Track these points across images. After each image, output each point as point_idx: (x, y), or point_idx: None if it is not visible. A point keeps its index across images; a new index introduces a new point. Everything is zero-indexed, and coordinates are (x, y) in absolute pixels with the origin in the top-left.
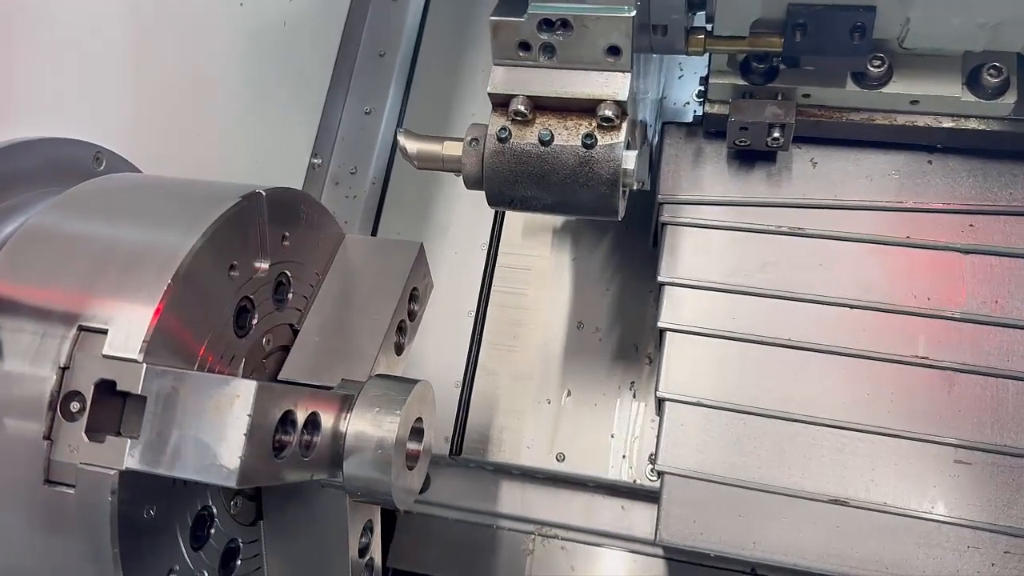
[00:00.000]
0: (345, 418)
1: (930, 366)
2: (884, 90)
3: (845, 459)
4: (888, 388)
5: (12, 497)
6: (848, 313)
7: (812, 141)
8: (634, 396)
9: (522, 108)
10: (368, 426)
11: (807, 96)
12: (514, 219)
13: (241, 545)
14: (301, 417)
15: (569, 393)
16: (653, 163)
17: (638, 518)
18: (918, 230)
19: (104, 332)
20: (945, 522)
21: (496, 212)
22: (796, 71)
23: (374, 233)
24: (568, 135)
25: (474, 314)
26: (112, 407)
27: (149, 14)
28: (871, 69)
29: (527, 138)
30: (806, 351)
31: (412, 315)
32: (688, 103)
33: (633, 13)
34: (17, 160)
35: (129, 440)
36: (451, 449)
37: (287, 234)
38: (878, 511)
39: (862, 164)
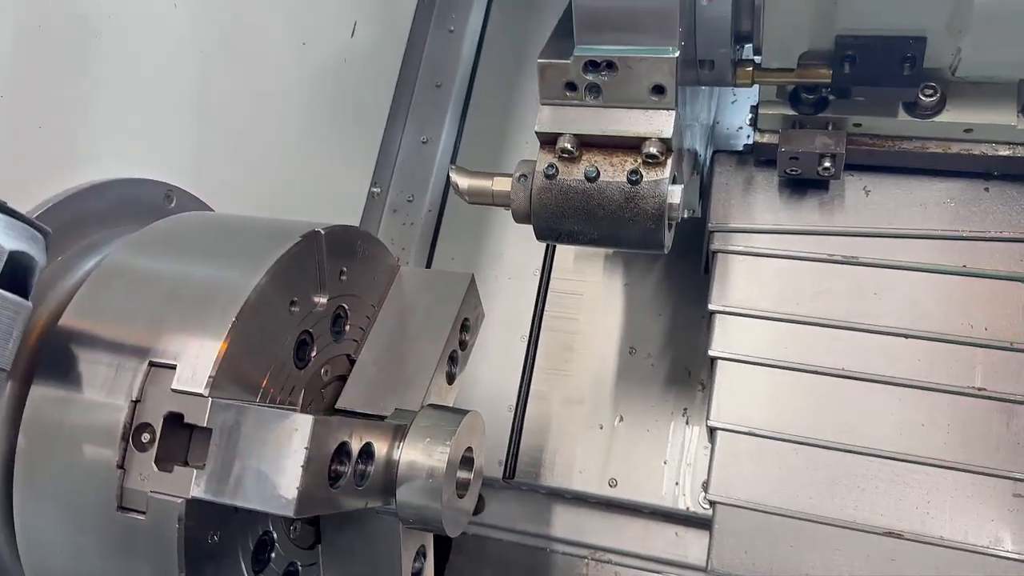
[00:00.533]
0: (398, 447)
1: (988, 397)
2: (937, 119)
3: (899, 491)
4: (944, 419)
5: (88, 521)
6: (903, 342)
7: (865, 169)
8: (687, 422)
9: (568, 146)
10: (419, 455)
11: (858, 125)
12: (567, 246)
13: (300, 568)
14: (356, 447)
15: (621, 418)
16: (703, 190)
17: (692, 545)
18: (974, 259)
19: (173, 367)
20: (1003, 557)
21: None
22: (846, 101)
23: (430, 259)
24: (614, 171)
25: (527, 339)
26: (180, 438)
27: (216, 54)
28: (923, 98)
29: (574, 174)
30: (859, 381)
31: (463, 345)
32: (741, 127)
33: (676, 54)
34: (93, 201)
35: (195, 470)
36: (504, 472)
37: (345, 269)
38: (933, 544)
39: (916, 192)
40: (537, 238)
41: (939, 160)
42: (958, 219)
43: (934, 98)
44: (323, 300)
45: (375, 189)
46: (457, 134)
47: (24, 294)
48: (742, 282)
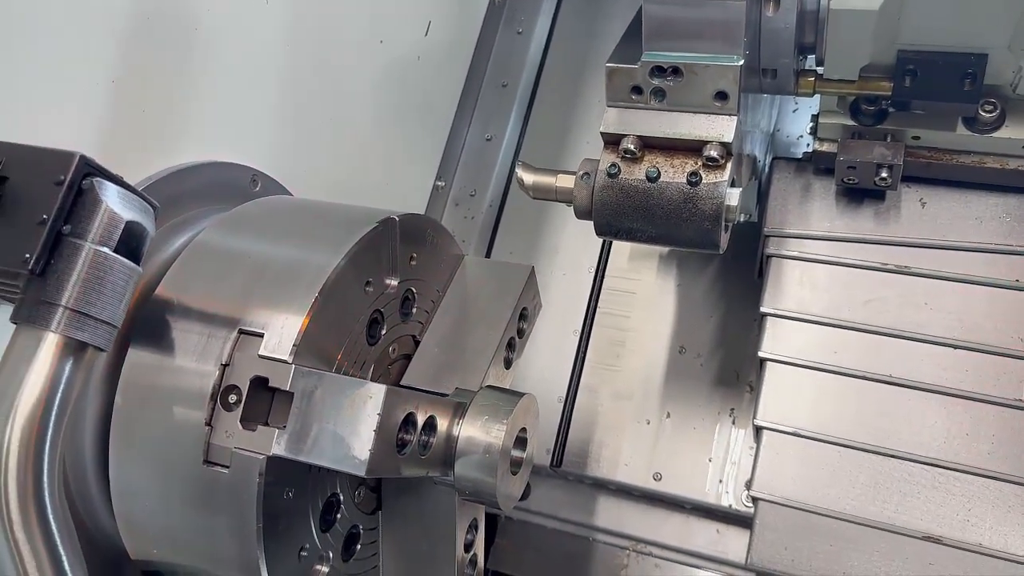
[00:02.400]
0: (458, 423)
1: None
2: (996, 135)
3: (941, 497)
4: (989, 430)
5: (175, 473)
6: (951, 353)
7: (921, 181)
8: (733, 422)
9: (631, 147)
10: (478, 432)
11: (916, 138)
12: (622, 244)
13: (362, 531)
14: (421, 419)
15: (668, 415)
16: (761, 195)
17: (732, 542)
18: None
19: (260, 336)
20: None
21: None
22: (905, 114)
23: (488, 252)
24: (674, 172)
25: (579, 334)
26: (264, 400)
27: (302, 50)
28: (983, 114)
29: (635, 174)
30: (907, 388)
31: (521, 333)
32: (801, 136)
33: (741, 62)
34: (186, 181)
35: (277, 430)
36: (552, 461)
37: (415, 255)
38: (972, 551)
39: (972, 205)
40: (597, 234)
41: (996, 175)
42: (1013, 234)
43: (994, 114)
44: (394, 282)
45: (439, 183)
46: (520, 133)
47: (136, 260)
48: (795, 287)
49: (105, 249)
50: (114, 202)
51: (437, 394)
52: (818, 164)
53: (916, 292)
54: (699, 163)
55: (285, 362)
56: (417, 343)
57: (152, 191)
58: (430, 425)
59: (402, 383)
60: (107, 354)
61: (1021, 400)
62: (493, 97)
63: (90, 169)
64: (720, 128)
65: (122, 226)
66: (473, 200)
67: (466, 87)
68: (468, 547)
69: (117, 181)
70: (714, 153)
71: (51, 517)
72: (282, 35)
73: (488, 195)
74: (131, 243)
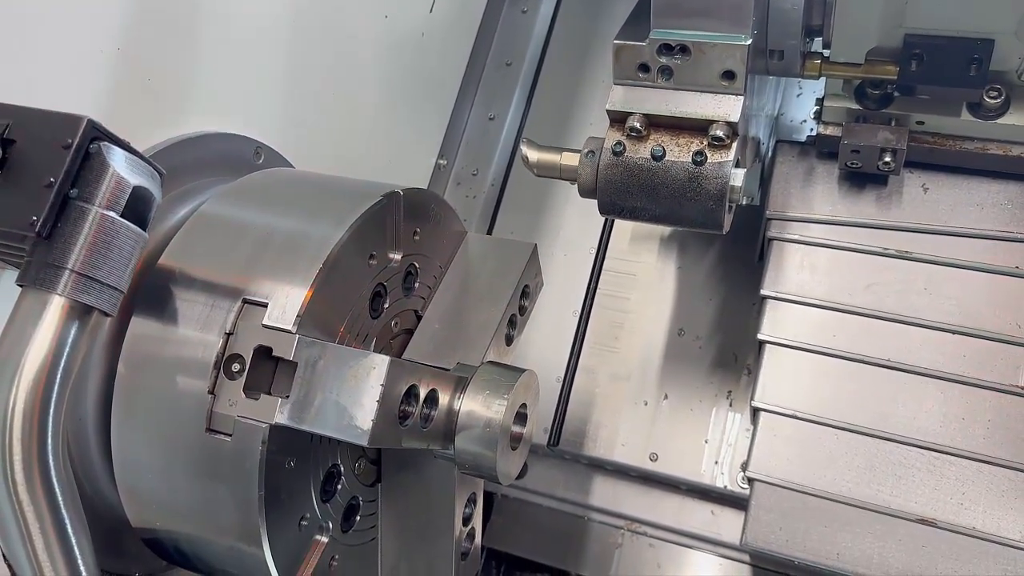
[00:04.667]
0: (459, 398)
1: None
2: (1000, 121)
3: (936, 480)
4: (985, 415)
5: (178, 441)
6: (950, 338)
7: (924, 166)
8: (730, 405)
9: (637, 125)
10: (479, 406)
11: (921, 123)
12: (623, 226)
13: (361, 503)
14: (423, 392)
15: (666, 396)
16: (764, 179)
17: (727, 524)
18: None
19: (264, 305)
20: None
21: (606, 219)
22: (911, 99)
23: (490, 231)
24: (680, 152)
25: (579, 314)
26: (267, 370)
27: (307, 24)
28: (987, 100)
29: (640, 153)
30: (904, 372)
31: (522, 310)
32: (805, 121)
33: (749, 41)
34: (190, 152)
35: (280, 399)
36: (549, 440)
37: (418, 230)
38: (966, 535)
39: (974, 192)
40: (601, 212)
41: (999, 162)
42: (1014, 221)
43: (999, 100)
44: (397, 256)
45: (441, 161)
46: (524, 112)
47: (143, 225)
48: (795, 270)
49: (112, 213)
50: (121, 167)
51: (439, 368)
52: (822, 148)
53: (916, 277)
54: (704, 143)
55: (289, 332)
56: (419, 318)
57: (156, 160)
58: (432, 398)
59: (404, 357)
60: (110, 322)
61: (1017, 386)
62: (497, 76)
63: (97, 133)
64: (726, 108)
65: (129, 191)
66: (475, 179)
67: (470, 65)
68: (466, 521)
69: (124, 146)
70: (720, 133)
71: (55, 480)
72: (288, 7)
73: (490, 174)
74: (138, 208)
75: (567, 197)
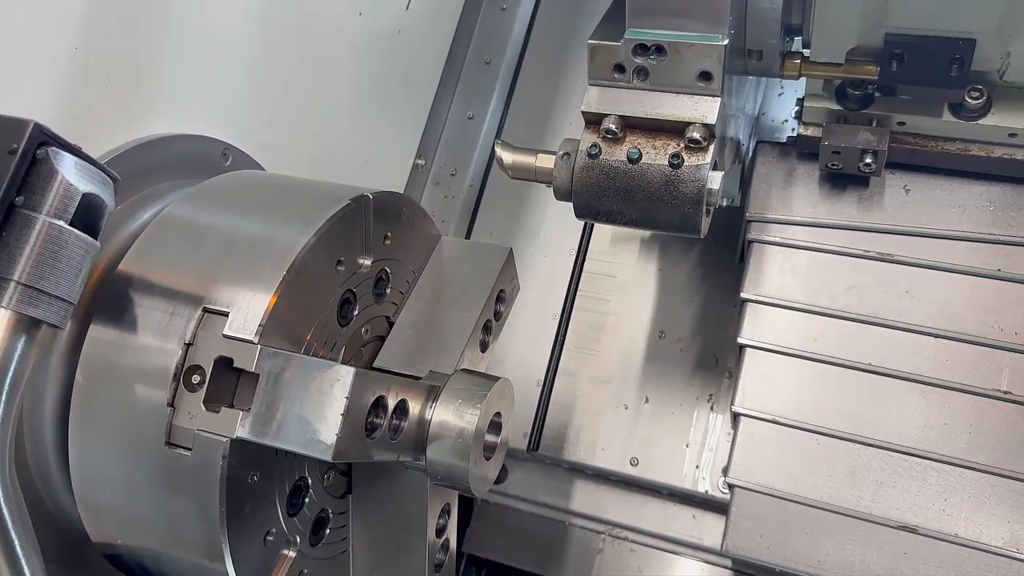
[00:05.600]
0: (431, 407)
1: (1013, 401)
2: (982, 122)
3: (918, 487)
4: (967, 420)
5: (137, 455)
6: (932, 342)
7: (906, 168)
8: (712, 408)
9: (613, 127)
10: (451, 416)
11: (902, 124)
12: (603, 227)
13: (331, 515)
14: (392, 403)
15: (647, 400)
16: (744, 180)
17: (709, 528)
18: (1010, 263)
19: (225, 315)
20: (1018, 559)
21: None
22: (892, 99)
23: (469, 233)
24: (656, 154)
25: (559, 317)
26: (228, 381)
27: (277, 20)
28: (969, 100)
29: (616, 155)
30: (886, 377)
31: (498, 315)
32: (786, 121)
33: (726, 42)
34: (154, 154)
35: (241, 412)
36: (529, 444)
37: (389, 234)
38: (948, 541)
39: (956, 193)
40: (576, 216)
41: (981, 163)
42: (996, 223)
43: (980, 101)
44: (367, 262)
45: (419, 161)
46: (503, 111)
47: (94, 234)
48: (776, 273)
49: (60, 222)
50: (70, 173)
51: (410, 377)
52: (802, 148)
53: (898, 280)
54: (681, 145)
55: (251, 342)
56: (391, 325)
57: (117, 164)
58: (401, 409)
59: (374, 365)
60: (68, 332)
61: (1000, 390)
62: (476, 74)
63: (45, 138)
64: (703, 109)
65: (78, 198)
66: (454, 179)
67: (448, 64)
68: (440, 532)
69: (74, 151)
70: (697, 135)
71: (1, 500)
72: (257, 2)
73: (469, 174)
74: (88, 216)
75: (547, 198)
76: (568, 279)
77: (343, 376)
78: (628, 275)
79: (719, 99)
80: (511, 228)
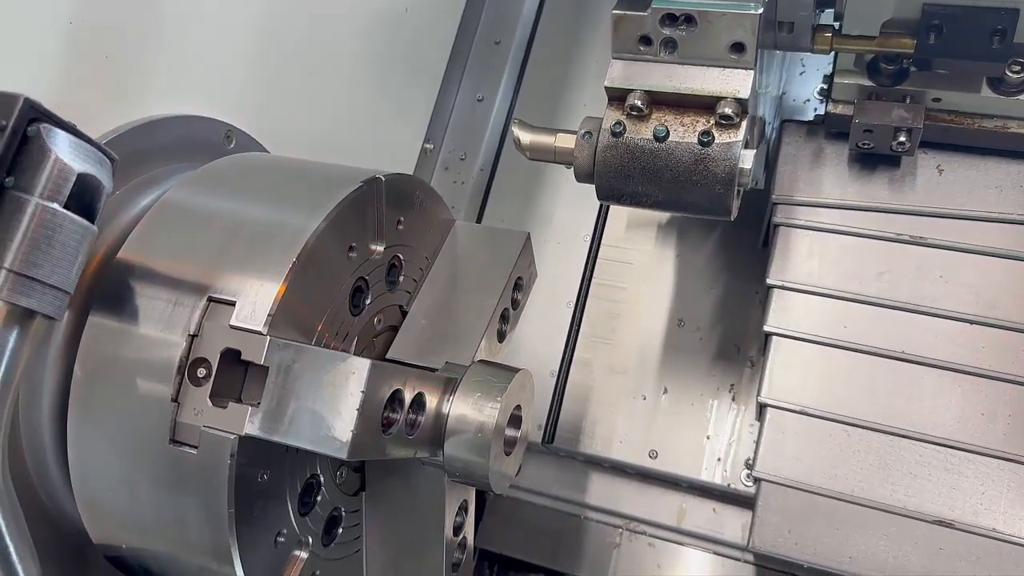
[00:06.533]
0: (448, 400)
1: None
2: (1022, 97)
3: (954, 480)
4: (1006, 409)
5: (140, 453)
6: (968, 328)
7: (939, 147)
8: (733, 399)
9: (639, 103)
10: (470, 410)
11: (937, 100)
12: (618, 212)
13: (344, 514)
14: (408, 396)
15: (665, 391)
16: (769, 161)
17: (730, 522)
18: None
19: (232, 304)
20: None
21: (601, 204)
22: (927, 74)
23: (479, 219)
24: (684, 132)
25: (573, 305)
26: (236, 375)
27: None
28: (1010, 75)
29: (642, 133)
30: (920, 365)
31: (515, 304)
32: (808, 100)
33: (760, 10)
34: (153, 136)
35: (250, 408)
36: (544, 437)
37: (402, 219)
38: (986, 536)
39: (992, 173)
40: (599, 198)
41: (1019, 141)
42: None
43: (1021, 75)
44: (380, 248)
45: (428, 145)
46: (513, 93)
47: (90, 218)
48: (803, 257)
49: (54, 205)
50: (64, 152)
51: (426, 369)
52: (831, 127)
53: (931, 264)
54: (712, 122)
55: (259, 333)
56: (404, 314)
57: (115, 146)
58: (418, 402)
59: (388, 356)
60: (66, 323)
61: None
62: (485, 55)
63: (37, 114)
64: (735, 83)
65: (73, 179)
66: (463, 164)
67: (456, 44)
68: (457, 530)
69: (69, 129)
70: (728, 111)
71: None
72: None
73: (479, 159)
74: (84, 198)
75: (560, 182)
76: (583, 266)
77: (358, 369)
78: (645, 262)
79: (752, 72)
80: (523, 214)
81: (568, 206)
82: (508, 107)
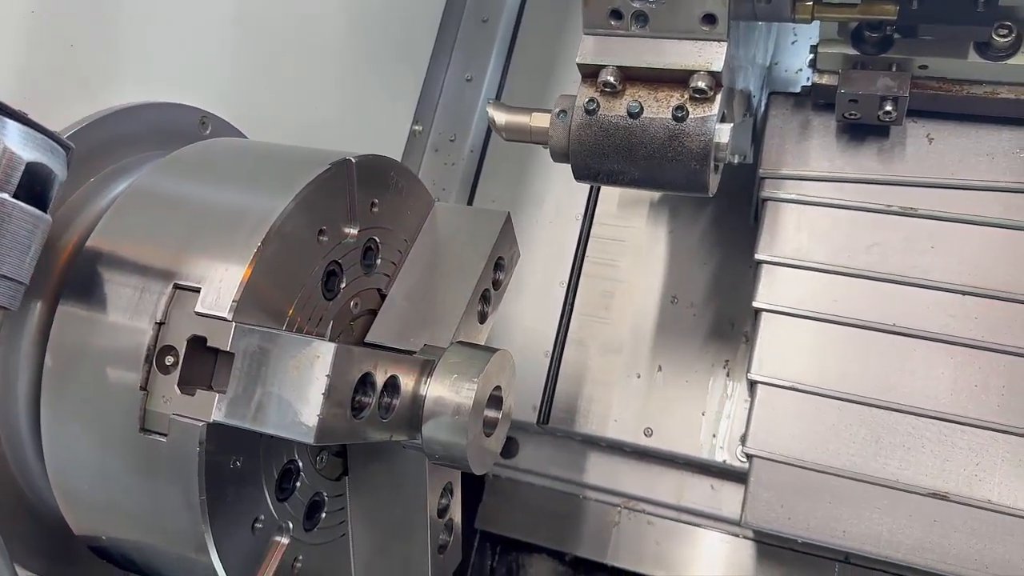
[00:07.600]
0: (425, 383)
1: None
2: (1010, 61)
3: (948, 452)
4: (999, 381)
5: (112, 442)
6: (960, 300)
7: (930, 115)
8: (728, 375)
9: (611, 79)
10: (447, 391)
11: (924, 67)
12: (611, 190)
13: (326, 499)
14: (380, 379)
15: (660, 368)
16: (756, 134)
17: (727, 498)
18: None
19: (197, 290)
20: None
21: None
22: (913, 40)
23: (470, 201)
24: (658, 107)
25: (566, 285)
26: (203, 362)
27: None
28: (996, 39)
29: (615, 110)
30: (912, 338)
31: (497, 284)
32: (801, 70)
33: None
34: (126, 124)
35: (217, 394)
36: (539, 418)
37: (376, 201)
38: (981, 508)
39: (983, 141)
40: (576, 178)
41: (1010, 107)
42: None
43: (1009, 39)
44: (353, 231)
45: (416, 127)
46: (503, 72)
47: (42, 207)
48: (792, 232)
49: (3, 195)
50: (13, 141)
51: (403, 351)
52: (817, 98)
53: (922, 235)
54: (685, 96)
55: (224, 319)
56: (383, 297)
57: (85, 135)
58: (392, 385)
59: (366, 340)
60: (39, 312)
61: None
62: (473, 33)
63: None
64: (708, 56)
65: (22, 168)
66: (453, 145)
67: (443, 22)
68: (442, 512)
69: (18, 117)
70: (702, 84)
71: None
72: None
73: (469, 140)
74: (35, 188)
75: (551, 161)
76: (575, 245)
77: (323, 353)
78: (637, 239)
79: (725, 43)
80: (514, 194)
81: (560, 185)
82: (497, 86)
